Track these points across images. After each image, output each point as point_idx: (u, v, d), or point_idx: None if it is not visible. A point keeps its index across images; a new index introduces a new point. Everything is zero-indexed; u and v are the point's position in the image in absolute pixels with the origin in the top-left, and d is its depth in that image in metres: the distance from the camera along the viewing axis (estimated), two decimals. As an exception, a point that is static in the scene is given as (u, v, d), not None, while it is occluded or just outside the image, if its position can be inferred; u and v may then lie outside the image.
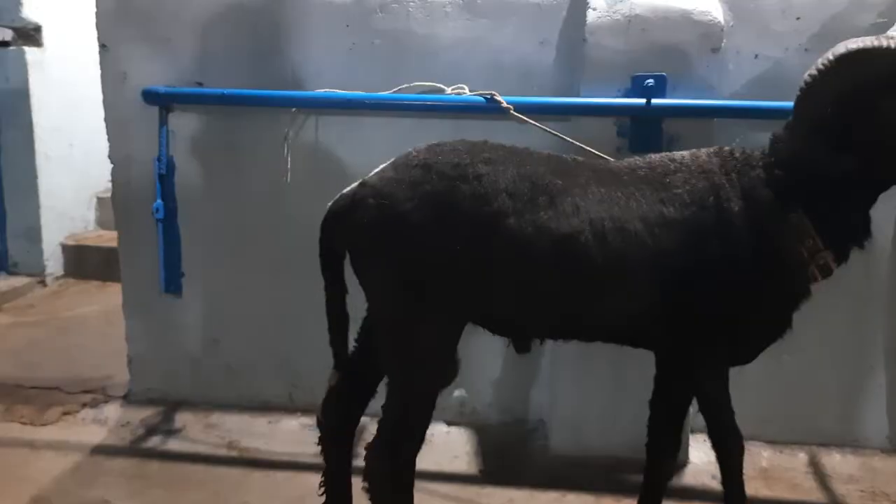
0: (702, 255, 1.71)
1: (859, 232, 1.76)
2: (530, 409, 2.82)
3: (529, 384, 2.81)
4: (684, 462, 2.55)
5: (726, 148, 1.83)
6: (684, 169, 1.78)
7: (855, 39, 1.60)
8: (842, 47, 1.61)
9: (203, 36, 2.68)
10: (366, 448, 1.79)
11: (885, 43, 1.56)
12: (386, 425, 1.77)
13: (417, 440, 1.77)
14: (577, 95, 2.45)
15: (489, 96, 2.36)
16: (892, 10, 2.41)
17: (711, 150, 1.84)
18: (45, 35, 4.38)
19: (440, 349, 1.76)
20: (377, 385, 1.92)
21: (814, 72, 1.64)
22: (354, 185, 1.76)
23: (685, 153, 1.85)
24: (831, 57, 1.61)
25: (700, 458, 2.55)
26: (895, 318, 2.62)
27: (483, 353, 2.65)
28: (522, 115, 2.30)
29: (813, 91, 1.65)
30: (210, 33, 2.68)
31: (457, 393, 2.82)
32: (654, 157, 1.86)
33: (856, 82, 1.61)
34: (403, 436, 1.76)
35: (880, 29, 2.09)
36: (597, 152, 2.17)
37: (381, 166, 1.77)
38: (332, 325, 1.86)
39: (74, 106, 4.45)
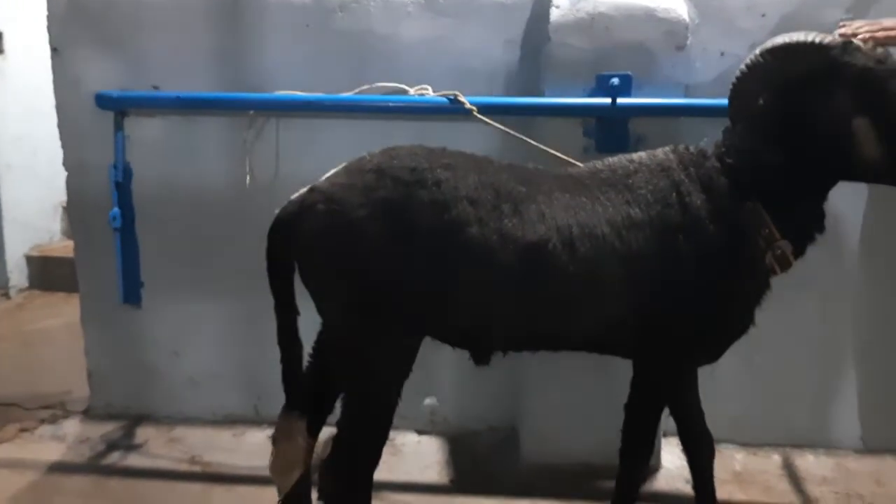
0: (671, 252, 1.68)
1: (812, 225, 1.74)
2: (502, 416, 2.76)
3: (501, 392, 2.75)
4: (657, 466, 2.52)
5: (681, 145, 1.82)
6: (644, 168, 1.75)
7: (784, 35, 1.64)
8: (770, 42, 1.65)
9: (158, 38, 2.60)
10: (321, 466, 1.72)
11: (812, 38, 1.59)
12: (342, 443, 1.70)
13: (374, 457, 1.71)
14: (543, 95, 2.40)
15: (453, 97, 2.31)
16: (858, 6, 2.40)
17: (668, 148, 1.82)
18: (6, 42, 4.27)
19: (397, 364, 1.69)
20: (334, 401, 1.84)
21: (745, 66, 1.68)
22: (303, 190, 1.69)
23: (642, 153, 1.82)
24: (759, 52, 1.65)
25: (673, 462, 2.51)
26: (865, 317, 2.60)
27: (454, 361, 2.58)
28: (487, 115, 2.25)
29: (745, 84, 1.69)
30: (165, 35, 2.59)
31: (427, 401, 2.77)
32: (613, 159, 1.83)
33: (786, 77, 1.64)
34: (360, 453, 1.70)
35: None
36: (561, 155, 2.13)
37: (333, 171, 1.70)
38: (284, 357, 1.77)
39: (37, 114, 4.27)
